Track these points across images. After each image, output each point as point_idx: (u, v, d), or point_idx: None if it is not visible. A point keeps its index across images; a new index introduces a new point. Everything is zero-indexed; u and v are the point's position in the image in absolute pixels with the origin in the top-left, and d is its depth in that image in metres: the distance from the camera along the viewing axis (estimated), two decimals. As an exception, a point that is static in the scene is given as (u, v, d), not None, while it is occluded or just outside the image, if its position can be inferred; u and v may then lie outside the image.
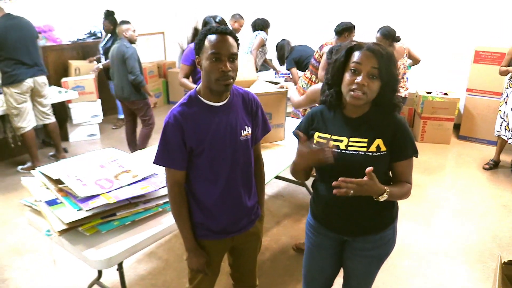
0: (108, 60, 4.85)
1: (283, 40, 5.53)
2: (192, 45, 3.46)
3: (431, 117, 5.36)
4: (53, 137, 4.72)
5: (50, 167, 2.17)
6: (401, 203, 3.74)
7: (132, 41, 4.42)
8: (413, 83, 5.77)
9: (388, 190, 1.52)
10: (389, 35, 4.23)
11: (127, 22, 4.46)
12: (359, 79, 1.50)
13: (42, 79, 4.33)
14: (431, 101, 5.33)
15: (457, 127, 5.64)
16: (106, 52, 5.49)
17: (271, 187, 4.11)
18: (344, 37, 3.96)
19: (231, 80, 1.56)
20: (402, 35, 4.41)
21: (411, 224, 3.50)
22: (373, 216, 1.67)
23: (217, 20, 3.57)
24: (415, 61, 4.75)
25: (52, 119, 4.62)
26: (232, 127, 1.65)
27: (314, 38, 5.60)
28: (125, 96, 4.31)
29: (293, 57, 5.19)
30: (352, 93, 1.52)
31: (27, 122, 4.29)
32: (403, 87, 4.41)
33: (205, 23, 3.62)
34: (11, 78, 4.05)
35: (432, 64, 5.79)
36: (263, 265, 2.92)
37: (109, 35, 5.53)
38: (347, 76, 1.54)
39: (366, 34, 4.90)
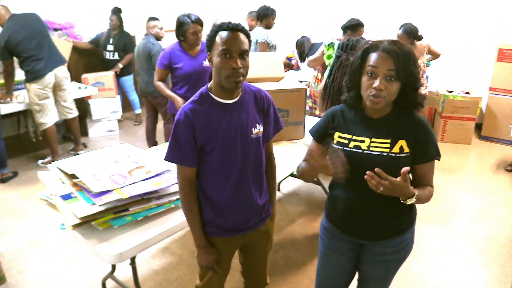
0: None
1: (303, 37, 5.49)
2: (167, 48, 3.41)
3: (452, 117, 5.25)
4: (73, 131, 4.82)
5: (66, 162, 2.21)
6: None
7: (158, 38, 4.45)
8: (434, 81, 5.66)
9: (417, 193, 1.47)
10: (411, 33, 4.16)
11: (155, 19, 4.50)
12: (376, 83, 1.45)
13: (62, 71, 4.39)
14: (452, 100, 5.21)
15: (478, 127, 5.51)
16: (99, 45, 5.60)
17: (287, 185, 4.09)
18: (348, 34, 3.82)
19: (242, 77, 1.55)
20: (423, 32, 4.34)
21: (428, 225, 3.43)
22: (393, 219, 1.63)
23: (192, 18, 3.31)
24: (435, 56, 4.63)
25: (75, 113, 4.73)
26: (243, 125, 1.64)
27: (332, 35, 5.54)
28: (149, 91, 4.37)
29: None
30: (371, 98, 1.48)
31: (49, 118, 4.38)
32: (422, 86, 4.32)
33: (180, 22, 3.32)
34: (32, 75, 4.14)
35: (454, 62, 5.66)
36: (276, 264, 2.91)
37: (115, 31, 5.58)
38: (364, 80, 1.50)
39: (386, 30, 4.86)
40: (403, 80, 1.47)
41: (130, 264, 2.24)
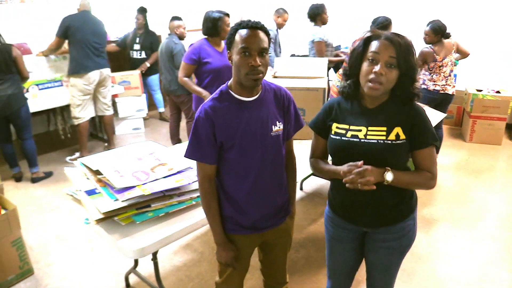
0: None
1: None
2: (196, 43, 3.43)
3: (481, 116, 5.10)
4: (108, 129, 4.96)
5: (91, 158, 2.27)
6: (443, 204, 3.58)
7: (181, 37, 4.51)
8: (463, 80, 5.51)
9: (388, 168, 1.52)
10: (439, 30, 4.06)
11: (179, 19, 4.56)
12: (376, 68, 1.50)
13: (107, 71, 4.62)
14: (481, 99, 5.06)
15: (509, 127, 5.34)
16: (126, 45, 5.69)
17: (309, 184, 4.07)
18: None
19: (261, 75, 1.55)
20: (451, 30, 4.22)
21: (453, 227, 3.35)
22: (392, 206, 1.66)
23: (225, 12, 3.36)
24: (464, 55, 4.49)
25: (111, 111, 4.90)
26: (263, 123, 1.64)
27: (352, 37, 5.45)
28: (171, 89, 4.44)
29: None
30: (370, 84, 1.52)
31: (86, 113, 4.57)
32: (450, 85, 4.22)
33: (217, 18, 3.36)
34: (79, 68, 4.33)
35: (484, 60, 5.49)
36: (297, 263, 2.90)
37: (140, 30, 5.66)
38: (365, 66, 1.55)
39: (414, 28, 4.75)
40: (402, 70, 1.52)
41: (151, 260, 2.28)
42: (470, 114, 5.17)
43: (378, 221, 1.69)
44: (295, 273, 2.78)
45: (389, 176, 1.52)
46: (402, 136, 1.55)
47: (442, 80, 4.17)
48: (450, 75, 4.20)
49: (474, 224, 3.41)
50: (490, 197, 3.86)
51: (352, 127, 1.62)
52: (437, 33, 4.07)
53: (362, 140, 1.58)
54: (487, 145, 5.10)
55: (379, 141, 1.56)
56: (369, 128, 1.59)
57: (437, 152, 4.52)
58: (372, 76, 1.51)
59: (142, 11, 5.58)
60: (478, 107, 5.09)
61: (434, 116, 3.55)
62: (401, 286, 2.66)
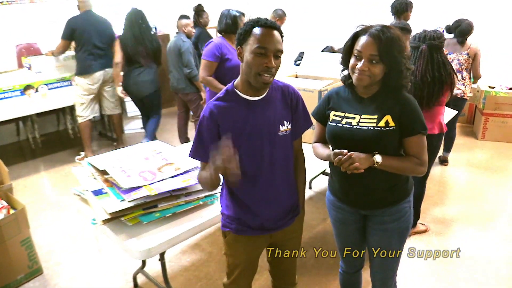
0: None
1: (326, 47, 5.37)
2: (216, 41, 3.36)
3: (494, 114, 5.00)
4: (116, 128, 4.98)
5: (98, 158, 2.26)
6: (455, 203, 3.51)
7: (189, 36, 4.49)
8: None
9: (376, 152, 1.62)
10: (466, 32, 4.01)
11: (187, 17, 4.54)
12: (359, 64, 1.61)
13: (112, 70, 4.58)
14: (494, 96, 4.97)
15: (523, 125, 5.21)
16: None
17: (318, 183, 4.02)
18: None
19: (272, 78, 1.52)
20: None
21: (467, 227, 3.28)
22: (387, 188, 1.75)
23: (241, 11, 3.40)
24: (474, 73, 4.24)
25: (119, 110, 4.91)
26: (270, 122, 1.61)
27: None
28: (179, 87, 4.42)
29: None
30: (356, 75, 1.63)
31: (88, 112, 4.58)
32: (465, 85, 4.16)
33: (238, 16, 3.38)
34: (84, 68, 4.36)
35: (496, 57, 5.37)
36: (306, 263, 2.86)
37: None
38: (352, 60, 1.65)
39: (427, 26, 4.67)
40: (387, 64, 1.60)
41: (159, 260, 2.26)
42: (482, 112, 5.07)
43: (374, 203, 1.79)
44: (304, 273, 2.75)
45: (378, 157, 1.62)
46: (392, 124, 1.64)
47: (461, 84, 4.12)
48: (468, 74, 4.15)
49: (487, 224, 3.34)
50: (504, 196, 3.78)
51: (347, 115, 1.73)
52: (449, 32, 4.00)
53: (355, 127, 1.69)
54: (500, 143, 5.00)
55: (369, 127, 1.66)
56: (362, 116, 1.69)
57: (449, 151, 4.45)
58: (357, 71, 1.62)
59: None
60: (491, 104, 5.00)
61: (447, 114, 3.47)
62: (413, 287, 2.62)
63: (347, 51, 1.69)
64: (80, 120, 4.59)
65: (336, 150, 1.62)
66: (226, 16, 3.41)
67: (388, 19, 4.43)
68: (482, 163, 4.47)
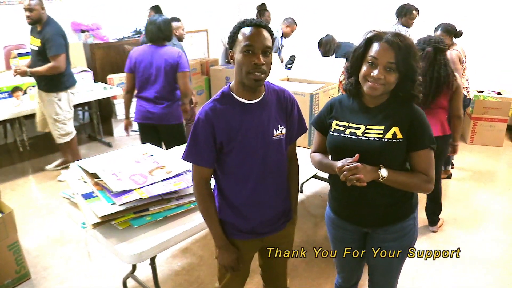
0: None
1: (327, 35, 5.38)
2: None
3: (482, 118, 5.07)
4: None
5: (88, 161, 2.23)
6: (444, 206, 3.54)
7: (181, 39, 4.47)
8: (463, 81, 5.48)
9: (382, 166, 1.53)
10: (452, 30, 4.00)
11: (178, 20, 4.51)
12: (375, 72, 1.51)
13: None
14: (482, 100, 5.03)
15: (511, 129, 5.32)
16: None
17: (309, 186, 4.03)
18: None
19: (263, 75, 1.51)
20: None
21: (455, 229, 3.32)
22: (390, 205, 1.66)
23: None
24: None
25: None
26: (265, 126, 1.60)
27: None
28: None
29: (342, 54, 4.99)
30: (369, 83, 1.54)
31: (73, 123, 4.30)
32: (468, 87, 4.21)
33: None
34: (70, 80, 4.08)
35: (485, 62, 5.46)
36: (298, 267, 2.86)
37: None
38: (364, 68, 1.56)
39: (411, 29, 4.72)
40: (402, 72, 1.52)
41: (149, 264, 2.24)
42: (471, 116, 5.13)
43: (377, 220, 1.69)
44: (295, 277, 2.74)
45: (383, 171, 1.52)
46: (399, 136, 1.56)
47: (466, 83, 4.14)
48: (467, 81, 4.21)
49: (475, 227, 3.37)
50: (492, 199, 3.83)
51: (351, 125, 1.64)
52: (450, 33, 3.99)
53: (359, 138, 1.60)
54: (488, 147, 5.07)
55: (375, 139, 1.57)
56: (368, 126, 1.60)
57: (450, 164, 4.32)
58: (370, 78, 1.53)
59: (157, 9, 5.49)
60: (479, 108, 5.07)
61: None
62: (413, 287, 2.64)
63: (359, 58, 1.59)
64: (71, 136, 4.24)
65: (346, 159, 1.53)
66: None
67: (389, 19, 4.46)
68: (470, 166, 4.52)
